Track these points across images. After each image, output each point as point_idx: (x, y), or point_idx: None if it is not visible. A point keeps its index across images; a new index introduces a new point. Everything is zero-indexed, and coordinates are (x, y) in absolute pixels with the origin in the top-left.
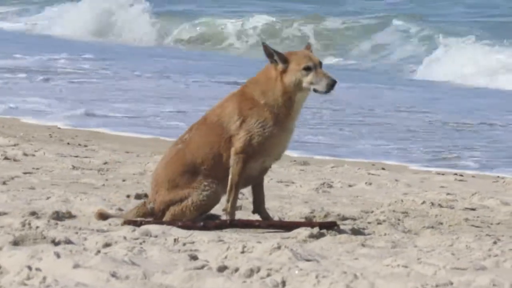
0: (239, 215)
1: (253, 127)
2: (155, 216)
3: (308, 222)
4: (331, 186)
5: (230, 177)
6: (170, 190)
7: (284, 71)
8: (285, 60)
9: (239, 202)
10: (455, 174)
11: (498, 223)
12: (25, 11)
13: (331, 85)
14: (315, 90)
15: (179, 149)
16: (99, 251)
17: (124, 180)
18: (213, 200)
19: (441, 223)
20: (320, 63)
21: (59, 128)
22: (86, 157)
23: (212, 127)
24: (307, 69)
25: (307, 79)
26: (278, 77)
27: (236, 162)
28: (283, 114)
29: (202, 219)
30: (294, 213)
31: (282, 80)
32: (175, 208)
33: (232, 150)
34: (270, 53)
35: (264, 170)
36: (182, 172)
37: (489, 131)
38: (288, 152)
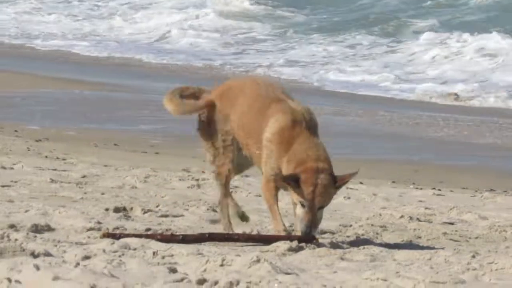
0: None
1: None
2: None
3: (287, 236)
4: None
5: None
6: None
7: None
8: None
9: (217, 216)
10: (433, 188)
11: (477, 237)
12: None
13: None
14: None
15: None
16: (78, 264)
17: (102, 194)
18: None
19: (420, 237)
20: None
21: (37, 141)
22: (64, 170)
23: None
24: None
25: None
26: None
27: None
28: None
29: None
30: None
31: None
32: None
33: None
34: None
35: None
36: None
37: None
38: None
